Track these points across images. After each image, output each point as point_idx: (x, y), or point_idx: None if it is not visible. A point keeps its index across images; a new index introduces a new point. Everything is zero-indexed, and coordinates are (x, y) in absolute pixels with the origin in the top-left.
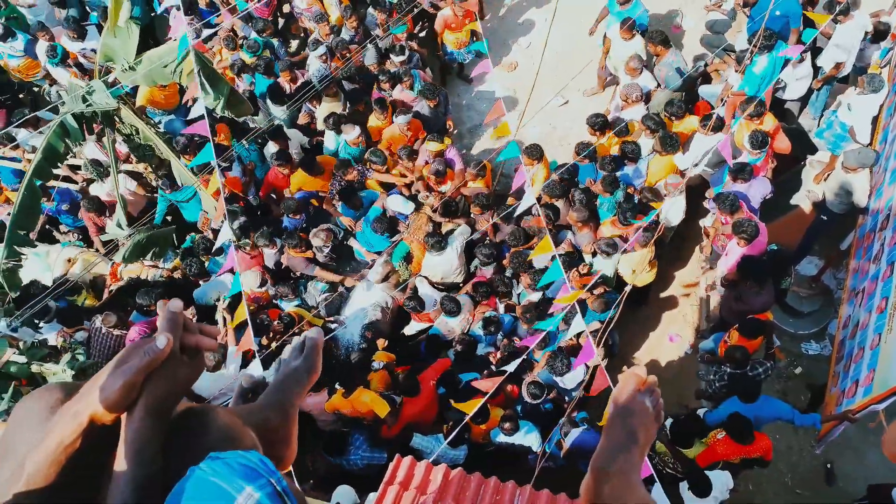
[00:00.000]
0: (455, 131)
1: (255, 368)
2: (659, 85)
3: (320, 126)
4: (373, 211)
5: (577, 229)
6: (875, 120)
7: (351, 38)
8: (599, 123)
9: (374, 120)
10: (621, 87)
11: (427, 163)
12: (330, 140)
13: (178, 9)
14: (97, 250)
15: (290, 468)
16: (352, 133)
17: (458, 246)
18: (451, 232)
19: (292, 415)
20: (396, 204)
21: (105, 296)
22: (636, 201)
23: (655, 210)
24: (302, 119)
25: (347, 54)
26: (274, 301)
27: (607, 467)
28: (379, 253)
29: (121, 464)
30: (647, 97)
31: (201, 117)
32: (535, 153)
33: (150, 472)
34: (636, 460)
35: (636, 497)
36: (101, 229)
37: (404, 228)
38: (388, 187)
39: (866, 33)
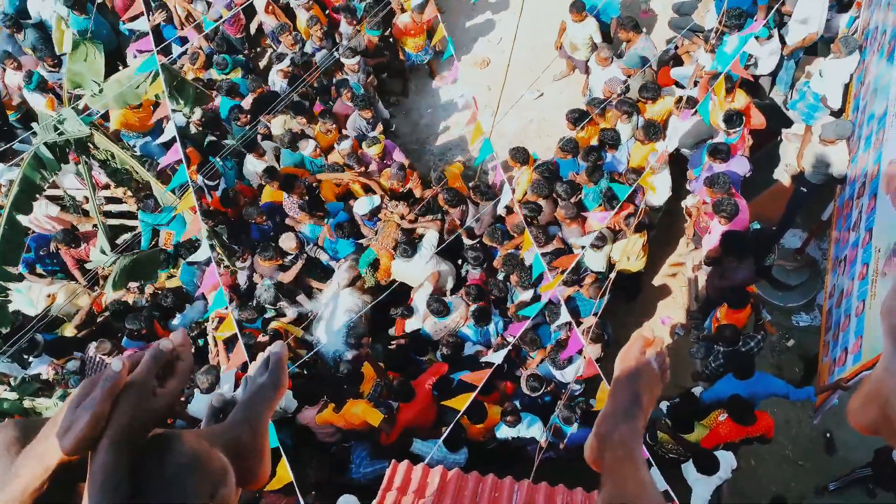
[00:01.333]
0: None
1: (226, 388)
2: (629, 75)
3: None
4: (339, 217)
5: (566, 225)
6: (846, 87)
7: (314, 51)
8: (576, 117)
9: (321, 136)
10: (605, 83)
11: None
12: (287, 157)
13: (147, 34)
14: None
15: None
16: (308, 147)
17: (427, 253)
18: (420, 238)
19: (262, 430)
20: (362, 206)
21: (95, 325)
22: (625, 185)
23: (629, 189)
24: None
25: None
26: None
27: (611, 435)
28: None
29: (86, 495)
30: (626, 89)
31: (174, 139)
32: (521, 156)
33: (116, 499)
34: (639, 427)
35: (637, 476)
36: (79, 261)
37: (371, 234)
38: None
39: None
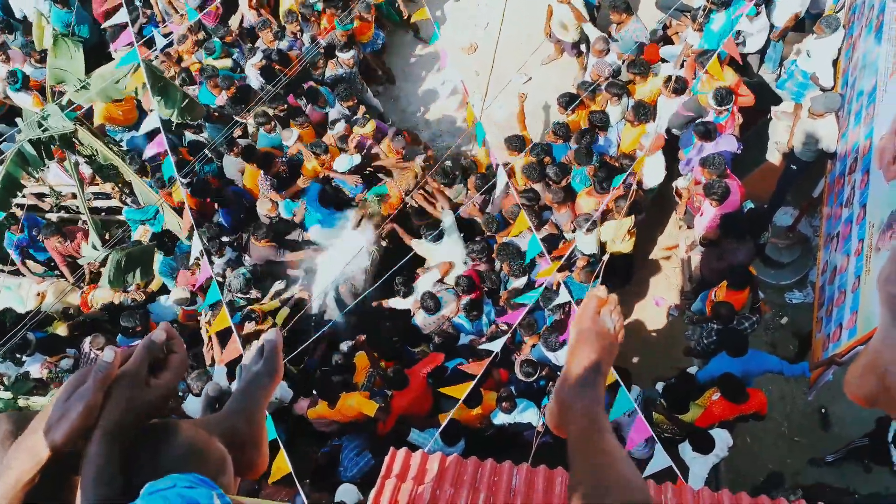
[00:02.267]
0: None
1: (220, 378)
2: (623, 60)
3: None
4: (311, 188)
5: (556, 209)
6: (835, 63)
7: (290, 46)
8: (566, 101)
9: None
10: (592, 66)
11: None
12: (263, 139)
13: (127, 25)
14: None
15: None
16: (291, 138)
17: (455, 237)
18: (438, 224)
19: (259, 419)
20: (341, 164)
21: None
22: (617, 167)
23: (624, 175)
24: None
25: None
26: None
27: (573, 404)
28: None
29: (80, 488)
30: (617, 73)
31: (157, 130)
32: (516, 144)
33: (109, 493)
34: (600, 392)
35: (603, 446)
36: (66, 257)
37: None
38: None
39: None
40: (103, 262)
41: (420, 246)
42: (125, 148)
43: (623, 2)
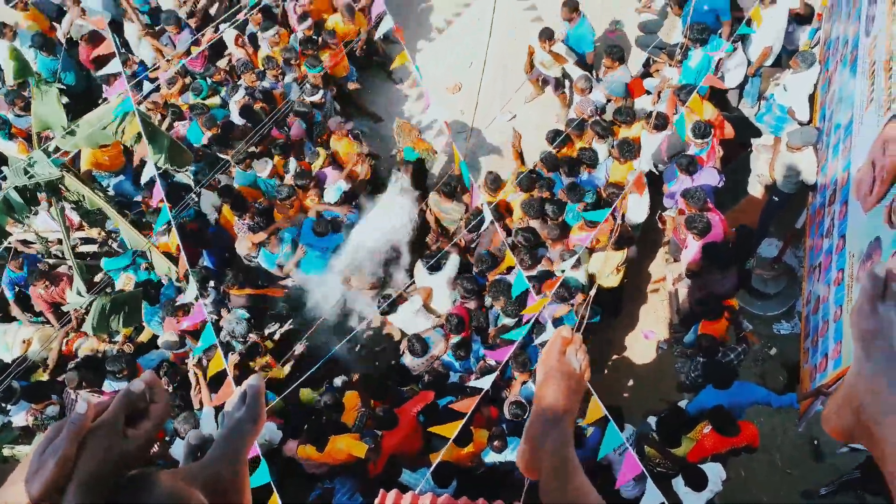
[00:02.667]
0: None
1: (209, 421)
2: (609, 100)
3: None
4: (306, 224)
5: (551, 246)
6: (812, 98)
7: (272, 86)
8: (551, 136)
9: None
10: (576, 104)
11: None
12: (239, 176)
13: (119, 74)
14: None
15: None
16: (265, 169)
17: (450, 274)
18: (445, 255)
19: (242, 466)
20: (331, 195)
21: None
22: (603, 199)
23: (608, 210)
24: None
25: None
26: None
27: (542, 442)
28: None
29: None
30: (602, 111)
31: (152, 180)
32: (493, 184)
33: None
34: (568, 432)
35: (574, 481)
36: (52, 304)
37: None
38: None
39: (794, 14)
40: (88, 309)
41: (418, 271)
42: (112, 193)
43: (619, 51)
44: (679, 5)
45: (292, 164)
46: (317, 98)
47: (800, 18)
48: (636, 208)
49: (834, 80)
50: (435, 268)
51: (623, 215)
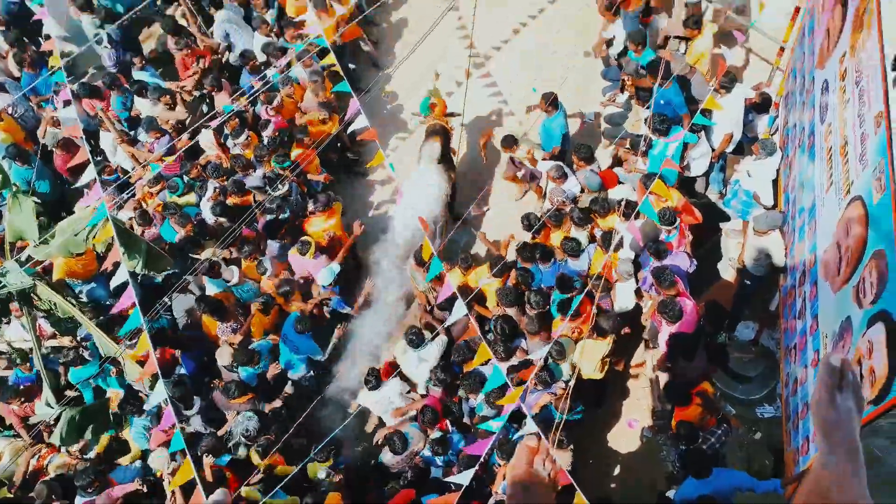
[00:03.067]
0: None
1: None
2: (583, 190)
3: None
4: (288, 322)
5: (529, 338)
6: (775, 183)
7: (241, 178)
8: (527, 224)
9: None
10: (549, 192)
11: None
12: (210, 283)
13: (95, 181)
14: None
15: None
16: (234, 276)
17: (431, 356)
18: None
19: None
20: (325, 277)
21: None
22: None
23: (579, 297)
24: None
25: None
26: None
27: None
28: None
29: None
30: (574, 201)
31: (125, 284)
32: (465, 263)
33: None
34: None
35: None
36: (23, 419)
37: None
38: None
39: (751, 104)
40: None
41: (399, 348)
42: (85, 299)
43: (587, 149)
44: (642, 99)
45: (266, 262)
46: (283, 190)
47: (757, 107)
48: (622, 297)
49: (794, 165)
50: (418, 344)
51: (612, 304)
